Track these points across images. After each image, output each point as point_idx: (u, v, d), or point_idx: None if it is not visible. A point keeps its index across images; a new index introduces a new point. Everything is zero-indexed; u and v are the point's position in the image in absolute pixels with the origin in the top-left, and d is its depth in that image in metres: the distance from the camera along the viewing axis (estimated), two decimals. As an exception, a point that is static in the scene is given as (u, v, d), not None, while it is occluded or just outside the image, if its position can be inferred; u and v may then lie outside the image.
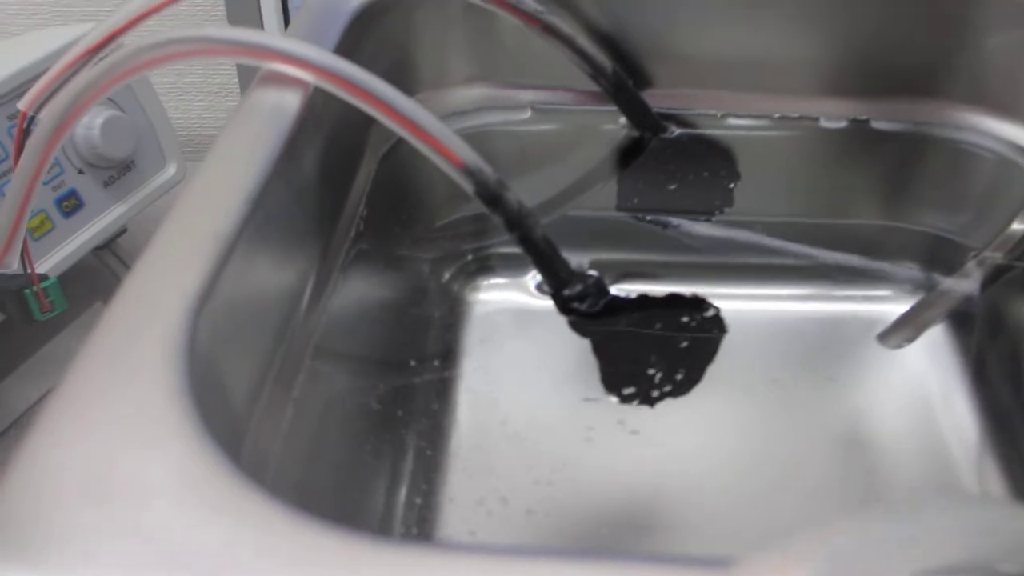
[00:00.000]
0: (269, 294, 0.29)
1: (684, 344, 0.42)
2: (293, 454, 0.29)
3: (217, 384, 0.23)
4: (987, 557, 0.18)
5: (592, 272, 0.39)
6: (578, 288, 0.38)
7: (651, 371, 0.41)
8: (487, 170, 0.34)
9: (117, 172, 0.48)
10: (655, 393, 0.41)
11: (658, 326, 0.43)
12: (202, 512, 0.19)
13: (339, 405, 0.34)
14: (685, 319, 0.43)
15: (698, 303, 0.43)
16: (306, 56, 0.32)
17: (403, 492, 0.38)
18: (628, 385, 0.41)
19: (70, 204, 0.46)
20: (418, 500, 0.38)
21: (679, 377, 0.41)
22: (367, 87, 0.32)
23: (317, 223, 0.35)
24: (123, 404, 0.21)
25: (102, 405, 0.21)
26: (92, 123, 0.45)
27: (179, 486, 0.19)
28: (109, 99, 0.48)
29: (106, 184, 0.48)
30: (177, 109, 0.70)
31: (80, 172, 0.46)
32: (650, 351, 0.42)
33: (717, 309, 0.43)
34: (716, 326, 0.43)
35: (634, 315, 0.42)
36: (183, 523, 0.18)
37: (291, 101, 0.33)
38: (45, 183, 0.44)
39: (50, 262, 0.44)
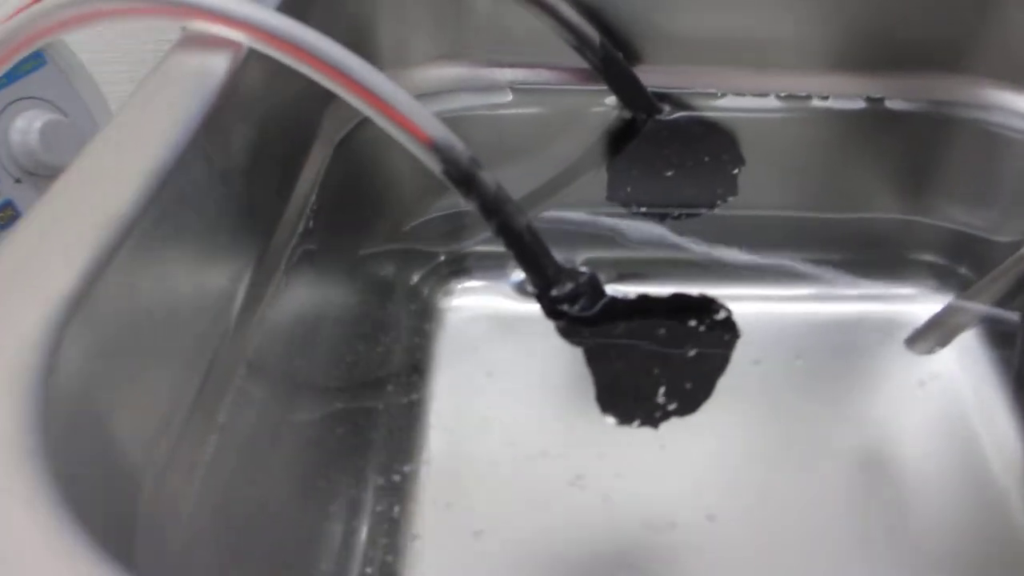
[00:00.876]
0: (184, 300, 0.23)
1: (691, 353, 0.37)
2: (217, 495, 0.23)
3: (94, 425, 0.17)
4: None
5: (584, 269, 0.33)
6: (568, 287, 0.33)
7: (654, 386, 0.36)
8: (458, 146, 0.29)
9: None
10: (658, 413, 0.35)
11: (661, 332, 0.37)
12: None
13: (279, 435, 0.28)
14: (692, 323, 0.37)
15: (707, 304, 0.38)
16: (237, 12, 0.27)
17: (363, 535, 0.32)
18: (627, 403, 0.36)
19: (5, 216, 0.42)
20: (382, 540, 0.32)
21: (686, 392, 0.36)
22: (308, 45, 0.26)
23: (253, 215, 0.29)
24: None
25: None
26: (30, 128, 0.41)
27: None
28: (49, 102, 0.43)
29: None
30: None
31: (17, 181, 0.42)
32: (652, 362, 0.36)
33: (729, 311, 0.38)
34: (728, 331, 0.37)
35: (633, 319, 0.37)
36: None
37: (217, 64, 0.27)
38: (-24, 192, 0.41)
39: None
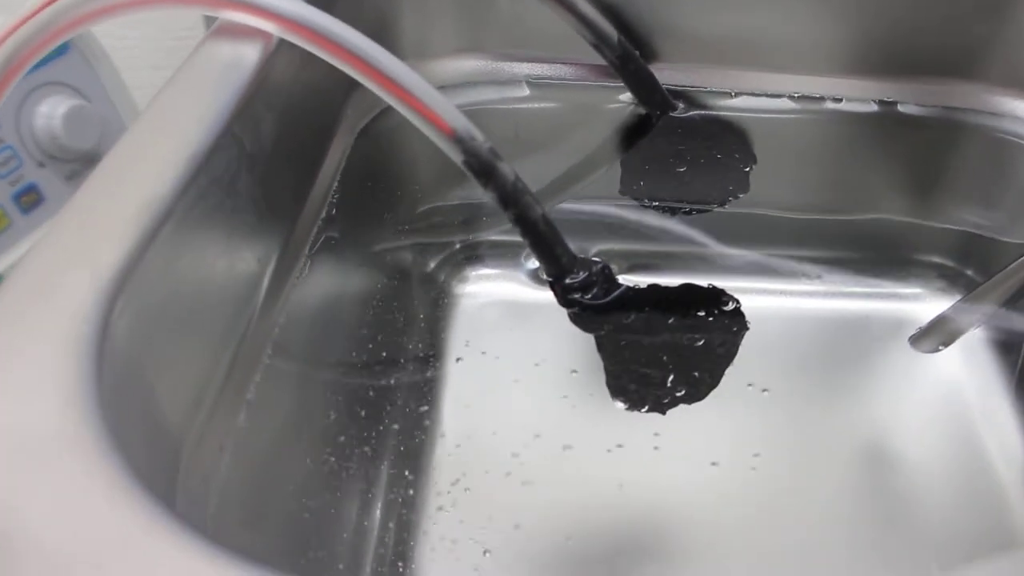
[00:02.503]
0: (217, 279, 0.24)
1: (700, 343, 0.37)
2: (245, 467, 0.24)
3: (140, 387, 0.19)
4: None
5: (597, 259, 0.34)
6: (582, 276, 0.33)
7: (663, 373, 0.36)
8: (479, 138, 0.30)
9: (81, 165, 0.45)
10: (666, 399, 0.36)
11: (671, 321, 0.38)
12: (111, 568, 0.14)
13: (303, 411, 0.29)
14: (702, 313, 0.38)
15: (716, 295, 0.38)
16: (268, 3, 0.28)
17: (378, 512, 0.33)
18: (636, 389, 0.36)
19: (30, 200, 0.42)
20: (392, 524, 0.33)
21: (694, 380, 0.36)
22: (335, 37, 0.27)
23: (280, 201, 0.30)
24: (8, 418, 0.16)
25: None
26: (53, 113, 0.42)
27: (81, 529, 0.14)
28: (72, 87, 0.44)
29: (69, 178, 0.45)
30: (147, 98, 0.65)
31: (41, 165, 0.43)
32: (661, 350, 0.37)
33: (737, 302, 0.38)
34: (737, 322, 0.38)
35: (644, 308, 0.37)
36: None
37: (249, 55, 0.28)
38: (2, 177, 0.41)
39: (6, 261, 0.40)
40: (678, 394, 0.36)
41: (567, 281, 0.34)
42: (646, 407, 0.36)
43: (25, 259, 0.19)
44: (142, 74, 0.52)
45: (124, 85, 0.46)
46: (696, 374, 0.37)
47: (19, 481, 0.15)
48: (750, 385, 0.38)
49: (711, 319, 0.38)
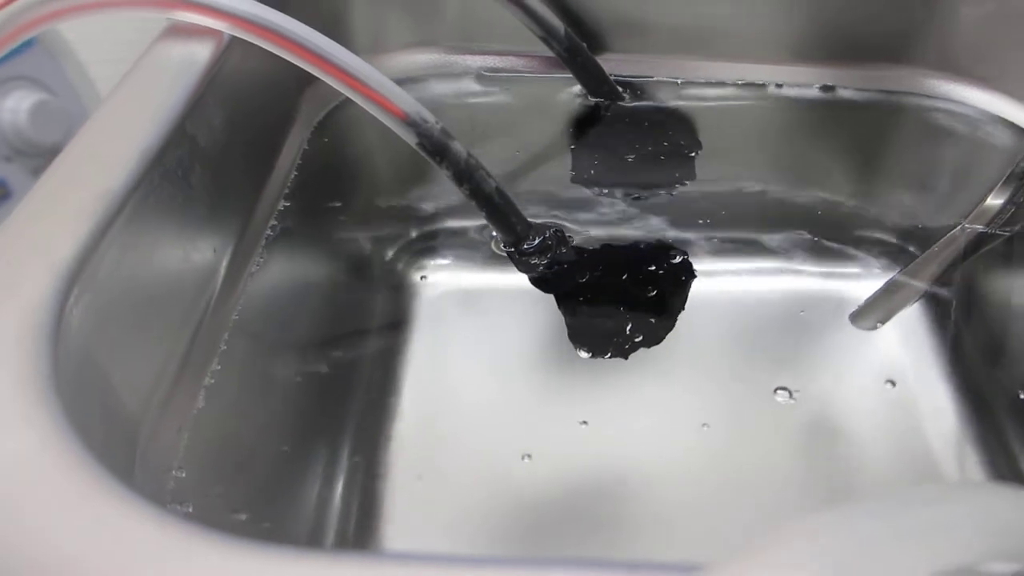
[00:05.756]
0: (172, 268, 0.26)
1: (653, 292, 0.39)
2: (204, 448, 0.25)
3: (96, 373, 0.20)
4: (1007, 552, 0.15)
5: (550, 224, 0.36)
6: (536, 241, 0.35)
7: (621, 322, 0.38)
8: (431, 120, 0.31)
9: (47, 159, 0.45)
10: (627, 344, 0.38)
11: (624, 276, 0.40)
12: (48, 522, 0.15)
13: (262, 397, 0.30)
14: (651, 267, 0.40)
15: (664, 249, 0.40)
16: (219, 3, 0.29)
17: (339, 488, 0.34)
18: (597, 338, 0.38)
19: None
20: (356, 498, 0.34)
21: (651, 326, 0.38)
22: (287, 32, 0.28)
23: (236, 193, 0.31)
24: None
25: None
26: (18, 107, 0.42)
27: (34, 497, 0.15)
28: (37, 82, 0.44)
29: (36, 172, 0.45)
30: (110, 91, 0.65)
31: (7, 160, 0.43)
32: (618, 301, 0.39)
33: (685, 253, 0.40)
34: (684, 271, 0.40)
35: (598, 266, 0.39)
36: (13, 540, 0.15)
37: (201, 52, 0.29)
38: (-31, 171, 0.41)
39: (-24, 255, 0.40)
40: (637, 340, 0.38)
41: (524, 247, 0.35)
42: (608, 353, 0.38)
43: (-19, 253, 0.20)
44: (105, 67, 0.52)
45: (89, 79, 0.47)
46: (652, 320, 0.39)
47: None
48: (699, 360, 0.40)
49: (661, 271, 0.40)
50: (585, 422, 0.37)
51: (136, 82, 0.27)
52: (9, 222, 0.21)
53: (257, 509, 0.28)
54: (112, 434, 0.19)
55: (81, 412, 0.17)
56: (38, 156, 0.44)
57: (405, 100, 0.31)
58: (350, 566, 0.15)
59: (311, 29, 0.30)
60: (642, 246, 0.42)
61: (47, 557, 0.14)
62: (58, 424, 0.16)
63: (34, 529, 0.14)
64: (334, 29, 0.41)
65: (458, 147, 0.32)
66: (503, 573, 0.15)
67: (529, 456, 0.36)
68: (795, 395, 0.40)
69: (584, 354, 0.38)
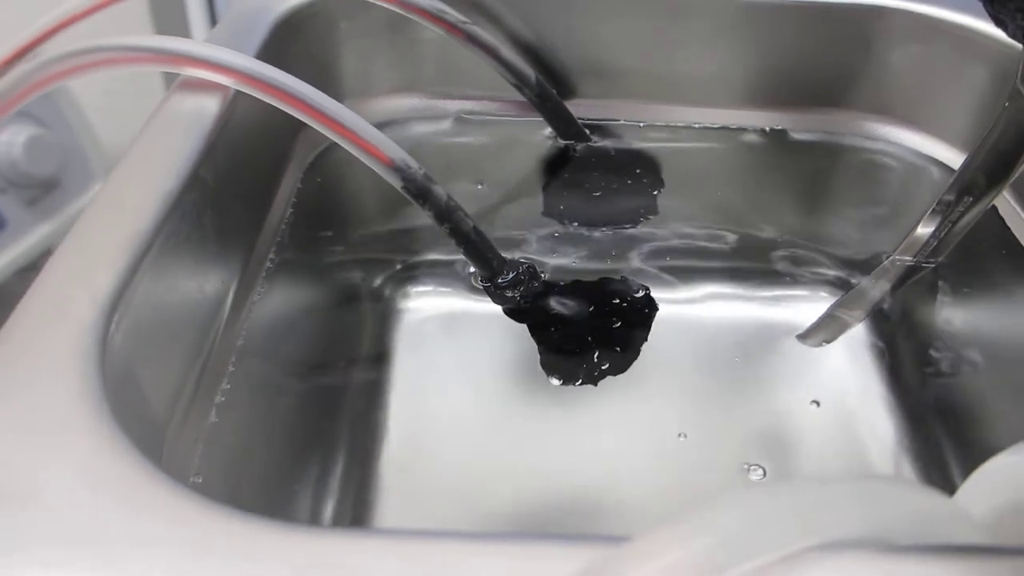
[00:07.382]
0: (189, 299, 0.29)
1: (618, 324, 0.43)
2: (216, 458, 0.29)
3: (133, 387, 0.23)
4: (880, 530, 0.18)
5: (523, 260, 0.39)
6: (511, 276, 0.39)
7: (590, 351, 0.42)
8: (414, 166, 0.34)
9: (41, 191, 0.47)
10: (596, 372, 0.42)
11: (592, 309, 0.44)
12: (117, 507, 0.18)
13: (266, 412, 0.34)
14: (616, 300, 0.44)
15: (628, 285, 0.44)
16: (226, 61, 0.32)
17: (331, 503, 0.37)
18: (567, 367, 0.42)
19: None
20: (350, 497, 0.38)
21: (616, 356, 0.42)
22: (288, 88, 0.32)
23: (239, 230, 0.35)
24: (26, 406, 0.20)
25: (3, 407, 0.20)
26: (13, 140, 0.44)
27: (89, 483, 0.19)
28: (32, 115, 0.46)
29: (30, 203, 0.47)
30: (107, 127, 0.68)
31: (2, 191, 0.45)
32: (586, 332, 0.43)
33: (647, 288, 0.44)
34: (647, 305, 0.44)
35: (568, 299, 0.43)
36: (93, 518, 0.18)
37: (210, 106, 0.32)
38: (-38, 203, 0.43)
39: (-27, 285, 0.43)
40: (604, 368, 0.42)
41: (499, 281, 0.39)
42: (579, 380, 0.42)
43: (35, 285, 0.23)
44: (97, 99, 0.54)
45: (82, 113, 0.49)
46: (618, 349, 0.43)
47: (41, 456, 0.19)
48: (662, 382, 0.43)
49: (625, 304, 0.44)
50: (559, 440, 0.41)
51: (154, 133, 0.30)
52: (52, 262, 0.24)
53: (262, 508, 0.31)
54: (145, 441, 0.23)
55: (124, 421, 0.21)
56: (32, 188, 0.46)
57: (391, 148, 0.34)
58: (361, 543, 0.18)
59: (305, 84, 0.33)
60: (609, 282, 0.46)
61: (118, 545, 0.17)
62: (113, 432, 0.19)
63: (103, 522, 0.18)
64: (326, 75, 0.45)
65: (439, 190, 0.36)
66: (446, 544, 0.18)
67: (503, 464, 0.39)
68: (749, 408, 0.44)
69: (556, 381, 0.42)
